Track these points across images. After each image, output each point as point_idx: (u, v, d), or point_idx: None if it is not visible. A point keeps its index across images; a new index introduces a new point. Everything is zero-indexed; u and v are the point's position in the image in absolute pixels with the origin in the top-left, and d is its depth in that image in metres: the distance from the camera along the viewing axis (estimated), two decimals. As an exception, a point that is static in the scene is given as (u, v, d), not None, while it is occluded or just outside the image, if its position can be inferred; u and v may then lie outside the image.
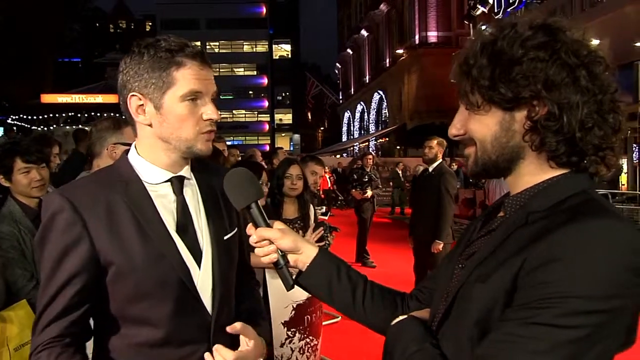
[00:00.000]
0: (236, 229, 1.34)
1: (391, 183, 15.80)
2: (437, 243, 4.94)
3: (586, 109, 0.86)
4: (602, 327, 0.76)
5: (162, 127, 1.20)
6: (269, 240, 1.13)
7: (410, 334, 0.98)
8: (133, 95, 1.19)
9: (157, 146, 1.22)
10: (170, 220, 1.22)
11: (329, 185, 15.89)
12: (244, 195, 1.14)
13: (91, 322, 1.23)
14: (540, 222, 0.85)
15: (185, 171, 1.27)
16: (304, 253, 1.14)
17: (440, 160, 5.17)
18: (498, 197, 1.61)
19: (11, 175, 2.40)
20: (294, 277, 1.15)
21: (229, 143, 6.29)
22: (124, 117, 1.34)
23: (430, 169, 5.18)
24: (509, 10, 14.67)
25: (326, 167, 16.59)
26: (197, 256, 1.24)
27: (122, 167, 1.24)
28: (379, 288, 1.17)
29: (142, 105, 1.19)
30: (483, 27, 0.95)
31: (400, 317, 1.04)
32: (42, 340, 1.12)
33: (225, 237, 1.30)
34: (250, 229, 1.14)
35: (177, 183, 1.25)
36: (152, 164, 1.23)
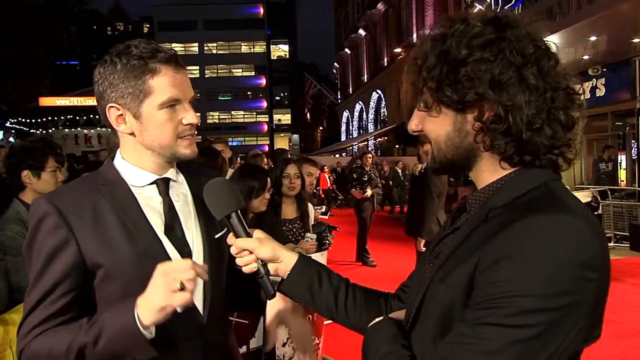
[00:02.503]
0: (226, 229, 1.35)
1: (390, 182, 15.80)
2: (417, 241, 5.14)
3: (534, 108, 0.84)
4: (555, 325, 0.74)
5: (144, 135, 1.21)
6: (249, 250, 1.13)
7: (384, 335, 0.98)
8: (111, 106, 1.19)
9: (142, 153, 1.23)
10: (157, 222, 1.23)
11: (329, 184, 15.88)
12: (223, 206, 1.15)
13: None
14: (498, 218, 0.84)
15: (171, 173, 1.29)
16: (284, 261, 1.15)
17: None
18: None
19: (41, 172, 2.40)
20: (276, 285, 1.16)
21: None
22: None
23: (417, 171, 5.40)
24: (505, 8, 14.66)
25: (325, 167, 16.61)
26: (187, 256, 1.24)
27: (107, 171, 1.26)
28: (362, 290, 1.18)
29: (122, 115, 1.20)
30: (437, 22, 0.93)
31: (377, 319, 1.04)
32: (27, 342, 1.13)
33: (217, 236, 1.31)
34: (230, 238, 1.15)
35: (163, 185, 1.26)
36: (137, 168, 1.25)
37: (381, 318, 1.05)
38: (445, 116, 0.91)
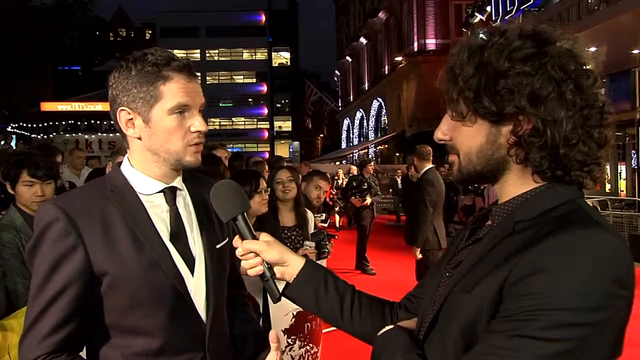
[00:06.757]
0: (227, 239, 1.35)
1: (390, 190, 15.80)
2: (413, 249, 5.17)
3: (571, 124, 0.84)
4: (587, 340, 0.75)
5: (151, 140, 1.21)
6: (255, 253, 1.13)
7: (397, 344, 0.97)
8: (122, 109, 1.21)
9: (148, 158, 1.24)
10: (163, 230, 1.23)
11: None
12: (230, 208, 1.15)
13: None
14: (527, 231, 0.84)
15: (178, 182, 1.29)
16: (291, 265, 1.14)
17: (426, 168, 5.24)
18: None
19: (15, 185, 2.43)
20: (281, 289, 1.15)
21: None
22: None
23: (416, 178, 5.58)
24: (506, 18, 14.76)
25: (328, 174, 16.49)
26: (190, 265, 1.25)
27: (115, 178, 1.26)
28: (367, 298, 1.17)
29: (132, 119, 1.21)
30: (471, 33, 0.94)
31: (387, 327, 1.03)
32: (35, 356, 1.11)
33: (218, 246, 1.31)
34: (236, 241, 1.15)
35: (170, 193, 1.27)
36: (145, 175, 1.25)
37: (391, 326, 1.03)
38: (480, 127, 0.90)
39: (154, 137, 1.21)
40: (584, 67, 0.88)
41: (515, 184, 0.92)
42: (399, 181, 15.13)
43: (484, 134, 0.90)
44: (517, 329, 0.76)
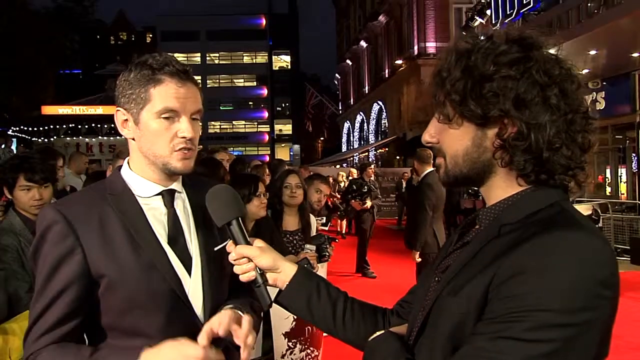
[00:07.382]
0: (227, 241, 1.35)
1: (396, 193, 15.80)
2: (412, 252, 5.20)
3: (554, 128, 0.85)
4: (572, 341, 0.75)
5: (141, 142, 1.24)
6: (248, 258, 1.13)
7: (387, 349, 0.98)
8: (118, 110, 1.25)
9: (142, 161, 1.26)
10: (161, 232, 1.24)
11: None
12: (225, 212, 1.16)
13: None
14: (512, 234, 0.85)
15: (176, 185, 1.31)
16: (283, 271, 1.14)
17: (426, 171, 5.26)
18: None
19: (13, 190, 2.43)
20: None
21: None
22: None
23: (416, 182, 5.58)
24: (506, 21, 14.77)
25: (330, 177, 16.40)
26: (188, 267, 1.26)
27: (114, 181, 1.28)
28: (360, 305, 1.17)
29: (126, 119, 1.24)
30: (460, 37, 0.94)
31: (378, 333, 1.04)
32: (35, 349, 1.14)
33: (216, 249, 1.31)
34: (230, 246, 1.15)
35: (168, 196, 1.29)
36: (143, 178, 1.27)
37: (382, 332, 1.04)
38: (466, 130, 0.91)
39: (143, 139, 1.24)
40: (569, 72, 0.89)
41: (501, 187, 0.93)
42: (404, 184, 15.13)
43: (470, 136, 0.91)
44: (502, 330, 0.77)
